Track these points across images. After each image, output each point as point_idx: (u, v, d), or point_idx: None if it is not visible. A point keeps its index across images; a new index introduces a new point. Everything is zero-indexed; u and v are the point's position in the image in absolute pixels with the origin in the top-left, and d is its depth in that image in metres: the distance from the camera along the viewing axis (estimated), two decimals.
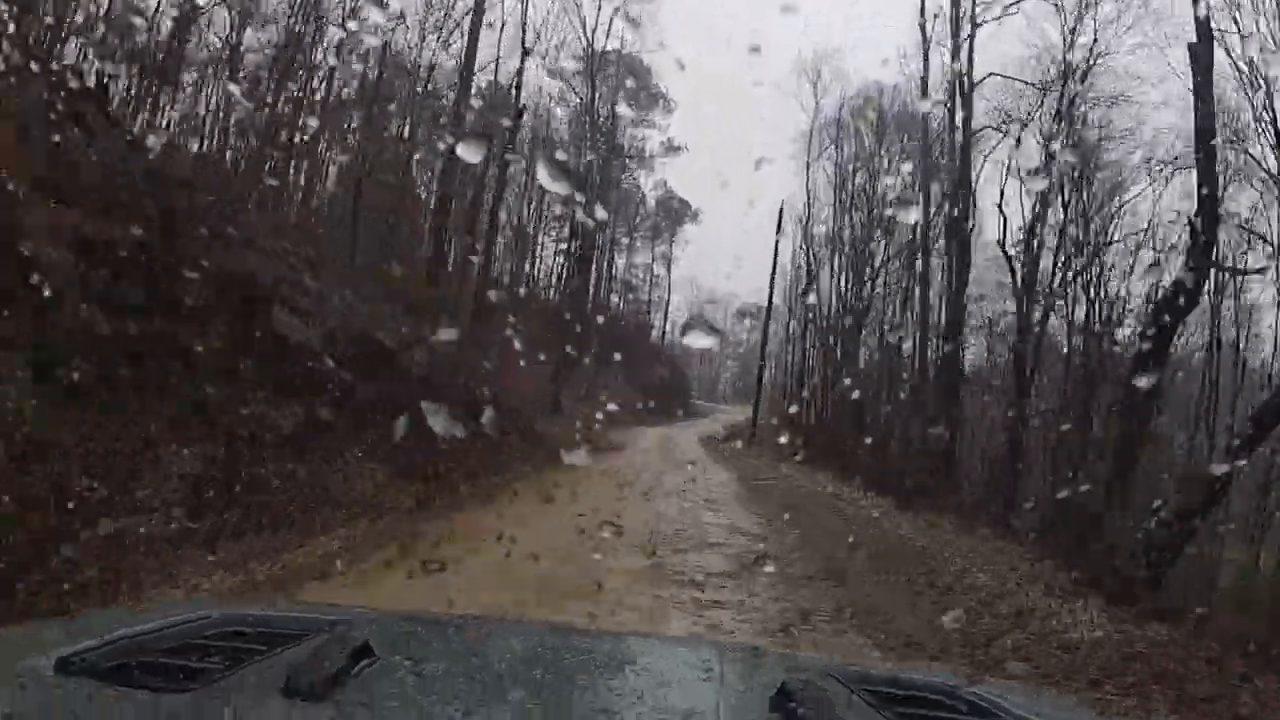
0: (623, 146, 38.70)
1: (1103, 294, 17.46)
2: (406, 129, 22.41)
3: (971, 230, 17.92)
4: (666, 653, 1.86)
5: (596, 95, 32.89)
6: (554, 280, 41.37)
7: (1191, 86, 11.19)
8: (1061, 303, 17.16)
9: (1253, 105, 14.00)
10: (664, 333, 50.87)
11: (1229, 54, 13.34)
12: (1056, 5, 17.17)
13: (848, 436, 19.34)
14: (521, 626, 2.06)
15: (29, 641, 1.37)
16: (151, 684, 1.13)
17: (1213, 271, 19.28)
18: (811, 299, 32.15)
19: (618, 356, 39.40)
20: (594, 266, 35.70)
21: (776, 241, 28.07)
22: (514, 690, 1.34)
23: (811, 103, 29.14)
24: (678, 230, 49.18)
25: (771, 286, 28.64)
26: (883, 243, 27.01)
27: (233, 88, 15.61)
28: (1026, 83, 17.59)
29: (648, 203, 47.45)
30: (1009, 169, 19.48)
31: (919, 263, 20.88)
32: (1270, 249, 15.02)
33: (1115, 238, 17.29)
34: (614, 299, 46.71)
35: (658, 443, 23.29)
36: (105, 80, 12.07)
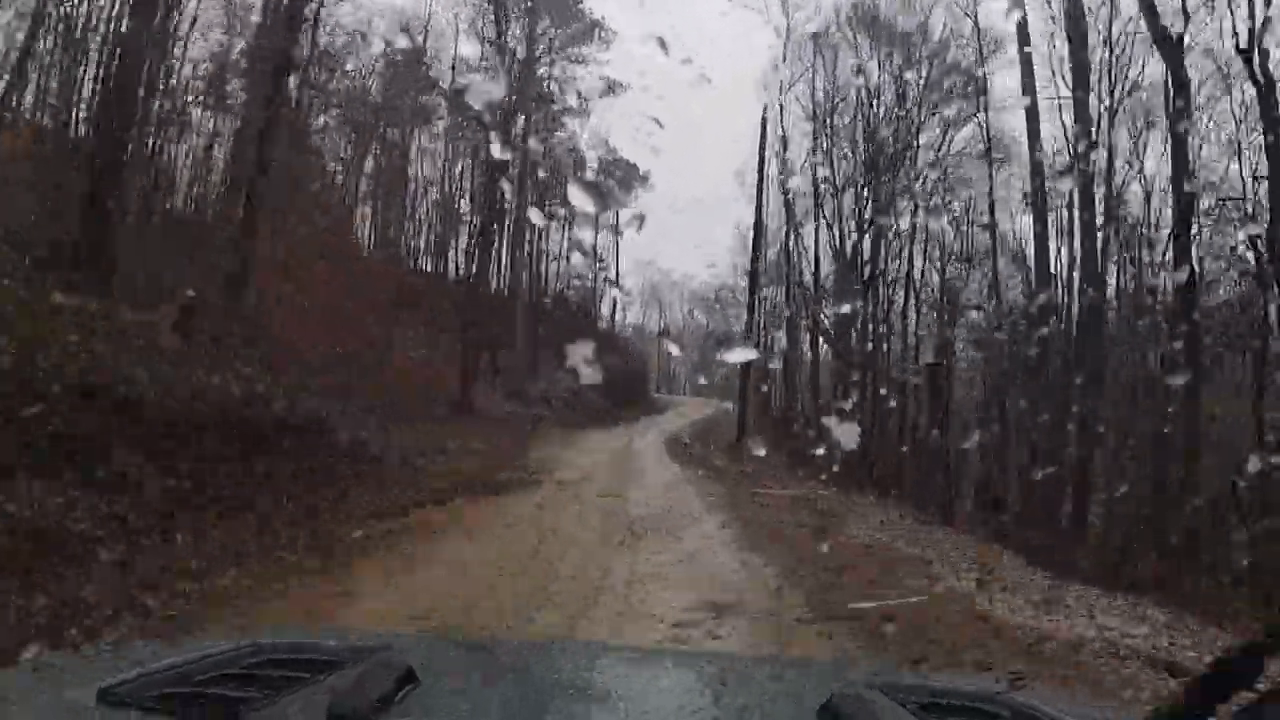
0: (550, 92, 32.12)
1: None
2: None
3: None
4: (712, 667, 1.83)
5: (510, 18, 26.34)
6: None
7: None
8: None
9: None
10: (615, 317, 44.54)
11: None
12: None
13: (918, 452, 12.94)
14: (564, 646, 2.13)
15: (70, 673, 1.39)
16: (193, 714, 1.13)
17: None
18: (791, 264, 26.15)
19: (583, 346, 32.69)
20: (511, 232, 28.98)
21: (761, 158, 21.63)
22: (559, 711, 1.34)
23: (781, 20, 22.94)
24: (626, 198, 42.75)
25: (758, 220, 22.14)
26: (896, 177, 20.90)
27: None
28: None
29: (587, 165, 41.06)
30: None
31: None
32: None
33: None
34: (553, 279, 40.54)
35: (608, 461, 15.89)
36: None
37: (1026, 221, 18.85)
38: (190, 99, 16.37)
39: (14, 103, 12.37)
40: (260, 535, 6.33)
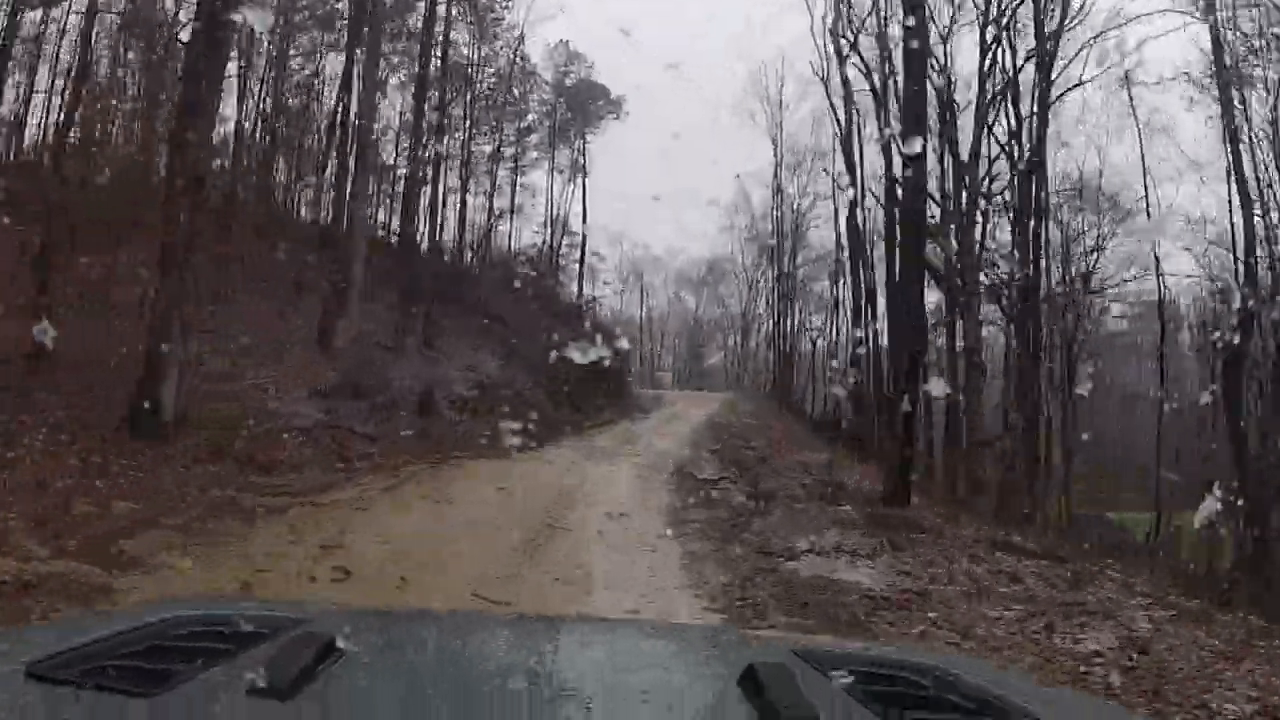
0: None
1: None
2: None
3: None
4: (633, 635, 1.89)
5: None
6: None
7: None
8: None
9: None
10: (581, 287, 34.26)
11: None
12: None
13: None
14: (485, 618, 2.13)
15: None
16: (120, 688, 1.13)
17: None
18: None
19: (521, 319, 22.43)
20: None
21: None
22: (478, 679, 1.34)
23: None
24: (592, 130, 32.54)
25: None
26: None
27: None
28: None
29: (540, 80, 30.70)
30: None
31: None
32: None
33: None
34: (504, 238, 30.53)
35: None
36: None
37: None
38: None
39: None
40: None
